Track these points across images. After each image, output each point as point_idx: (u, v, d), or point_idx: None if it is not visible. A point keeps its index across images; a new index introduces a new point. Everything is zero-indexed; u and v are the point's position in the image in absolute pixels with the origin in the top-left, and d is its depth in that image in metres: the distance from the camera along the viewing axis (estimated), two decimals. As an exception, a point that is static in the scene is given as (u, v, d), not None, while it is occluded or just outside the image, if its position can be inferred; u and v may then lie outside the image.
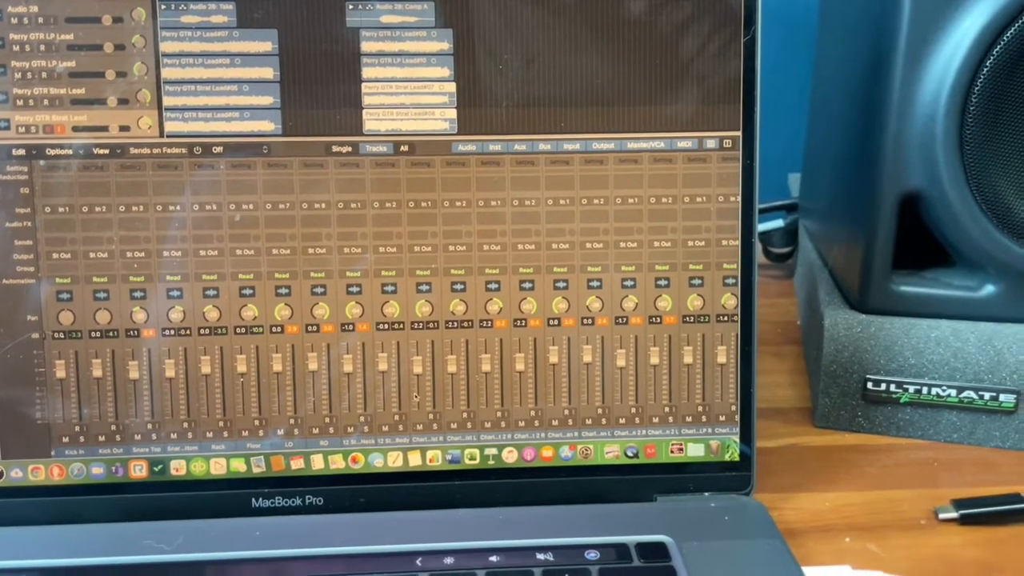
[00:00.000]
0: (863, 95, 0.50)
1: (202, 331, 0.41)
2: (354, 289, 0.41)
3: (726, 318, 0.42)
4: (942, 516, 0.43)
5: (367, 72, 0.40)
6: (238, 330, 0.41)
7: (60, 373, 0.41)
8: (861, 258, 0.50)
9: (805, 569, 0.38)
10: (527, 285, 0.42)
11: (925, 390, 0.49)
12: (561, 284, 0.42)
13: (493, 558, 0.38)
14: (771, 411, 0.53)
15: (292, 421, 0.42)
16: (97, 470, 0.41)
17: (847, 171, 0.54)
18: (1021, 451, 0.49)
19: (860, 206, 0.50)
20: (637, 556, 0.38)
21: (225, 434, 0.41)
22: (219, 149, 0.40)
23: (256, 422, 0.42)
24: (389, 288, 0.41)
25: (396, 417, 0.42)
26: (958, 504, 0.43)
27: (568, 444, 0.43)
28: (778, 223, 0.75)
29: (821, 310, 0.52)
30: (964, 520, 0.42)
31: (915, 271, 0.51)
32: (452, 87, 0.41)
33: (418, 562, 0.38)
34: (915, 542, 0.42)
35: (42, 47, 0.39)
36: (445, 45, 0.40)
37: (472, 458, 0.42)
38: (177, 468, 0.41)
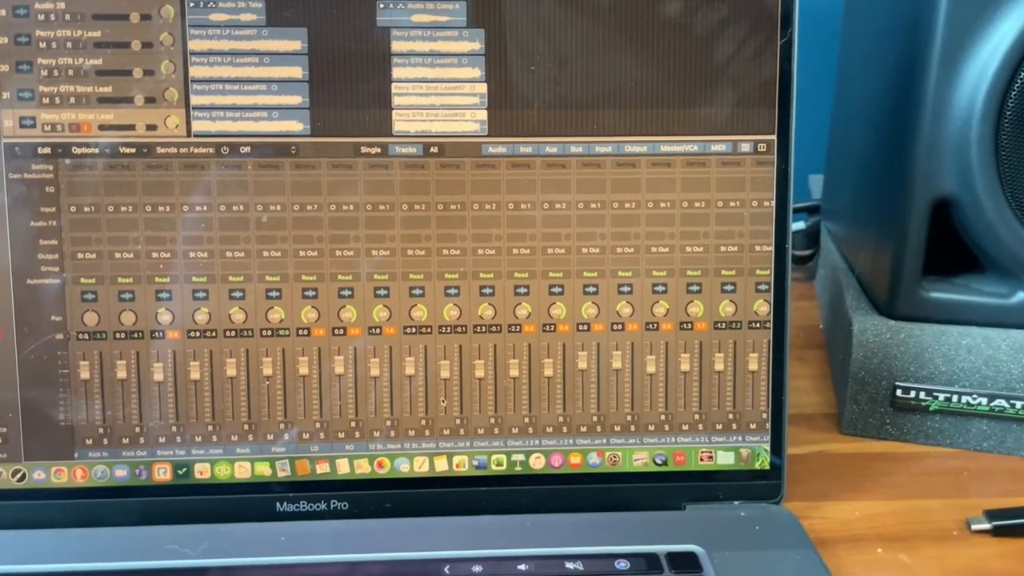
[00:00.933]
0: (895, 98, 0.50)
1: (228, 333, 0.41)
2: (382, 292, 0.41)
3: (758, 325, 0.42)
4: (975, 527, 0.42)
5: (397, 72, 0.40)
6: (264, 332, 0.41)
7: (84, 374, 0.40)
8: (891, 263, 0.49)
9: (839, 581, 0.37)
10: (556, 290, 0.41)
11: (955, 398, 0.48)
12: (591, 289, 0.41)
13: (522, 566, 0.37)
14: (797, 417, 0.52)
15: (317, 425, 0.41)
16: (120, 473, 0.41)
17: (876, 174, 0.53)
18: (1052, 461, 0.48)
19: (890, 210, 0.49)
20: (668, 566, 0.38)
21: (250, 437, 0.41)
22: (247, 149, 0.40)
23: (281, 425, 0.41)
24: (417, 291, 0.41)
25: (423, 422, 0.41)
26: (991, 515, 0.42)
27: (596, 451, 0.42)
28: (799, 225, 0.74)
29: (849, 316, 0.51)
30: (997, 531, 0.42)
31: (945, 277, 0.50)
32: (483, 88, 0.40)
33: (446, 570, 0.37)
34: (948, 553, 0.41)
35: (69, 44, 0.39)
36: (476, 45, 0.40)
37: (499, 464, 0.42)
38: (201, 471, 0.41)
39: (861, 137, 0.58)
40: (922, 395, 0.49)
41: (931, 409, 0.49)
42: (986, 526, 0.42)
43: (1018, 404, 0.48)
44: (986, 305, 0.48)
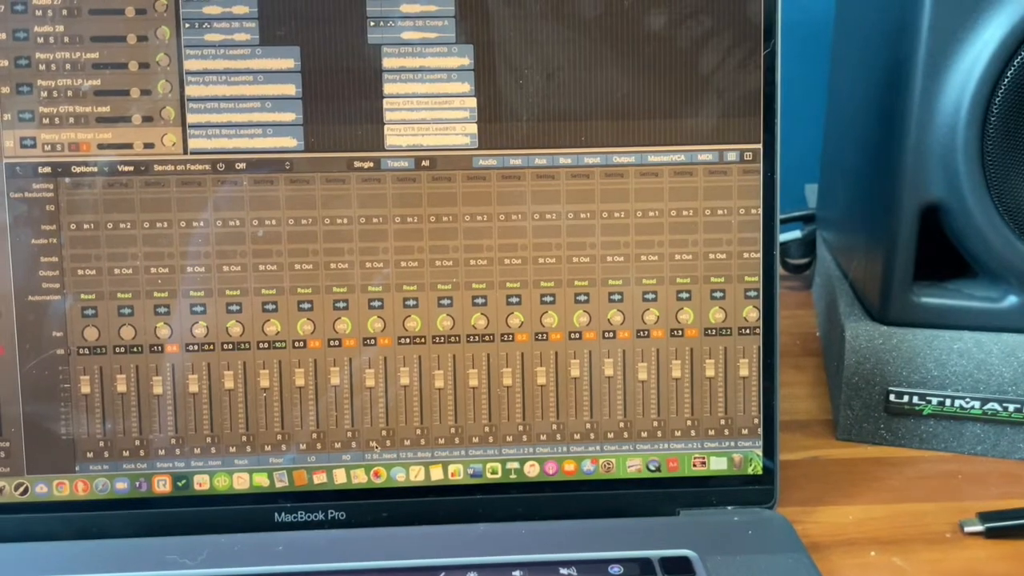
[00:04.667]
0: (882, 106, 0.50)
1: (225, 346, 0.41)
2: (376, 304, 0.41)
3: (748, 331, 0.42)
4: (968, 529, 0.43)
5: (388, 88, 0.41)
6: (261, 345, 0.41)
7: (85, 388, 0.41)
8: (882, 269, 0.50)
9: (831, 584, 0.38)
10: (548, 299, 0.42)
11: (948, 402, 0.49)
12: (582, 298, 0.42)
13: (516, 573, 0.38)
14: (792, 423, 0.53)
15: (314, 436, 0.42)
16: (121, 485, 0.41)
17: (866, 182, 0.54)
18: (1046, 463, 0.49)
19: (880, 217, 0.50)
20: (661, 571, 0.38)
21: (248, 449, 0.42)
22: (242, 165, 0.41)
23: (279, 437, 0.42)
24: (411, 302, 0.42)
25: (418, 431, 0.42)
26: (984, 517, 0.43)
27: (590, 458, 0.43)
28: (795, 234, 0.75)
29: (842, 322, 0.52)
30: (990, 533, 0.42)
31: (936, 282, 0.50)
32: (473, 102, 0.41)
33: (441, 577, 0.38)
34: (941, 556, 0.41)
35: (68, 66, 0.40)
36: (466, 61, 0.41)
37: (494, 472, 0.42)
38: (200, 483, 0.42)
39: (852, 146, 0.59)
40: (915, 399, 0.49)
41: (924, 413, 0.49)
42: (979, 528, 0.42)
43: (1011, 407, 0.48)
44: (977, 309, 0.49)
